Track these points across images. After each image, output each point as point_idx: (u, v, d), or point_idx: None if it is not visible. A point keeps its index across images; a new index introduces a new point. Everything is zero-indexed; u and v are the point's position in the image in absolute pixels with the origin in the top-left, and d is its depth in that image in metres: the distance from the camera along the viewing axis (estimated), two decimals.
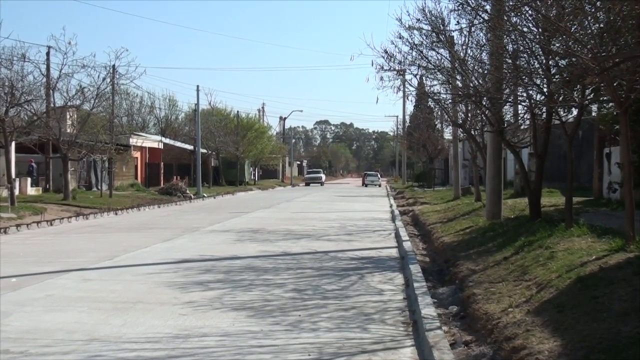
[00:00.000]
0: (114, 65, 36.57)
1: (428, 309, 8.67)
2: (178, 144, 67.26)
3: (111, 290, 10.94)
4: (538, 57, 13.82)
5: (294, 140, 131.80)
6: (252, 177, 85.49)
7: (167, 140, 64.56)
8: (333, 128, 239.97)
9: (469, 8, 16.04)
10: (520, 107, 19.33)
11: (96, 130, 36.55)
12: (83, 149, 36.24)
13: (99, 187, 42.24)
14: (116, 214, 29.84)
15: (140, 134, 61.36)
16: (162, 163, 59.19)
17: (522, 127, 22.35)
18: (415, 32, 19.18)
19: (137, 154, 53.98)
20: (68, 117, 37.30)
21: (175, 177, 54.33)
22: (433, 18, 19.06)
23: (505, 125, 19.69)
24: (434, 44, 19.17)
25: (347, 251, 16.16)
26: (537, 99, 15.36)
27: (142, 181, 53.79)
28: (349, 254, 15.58)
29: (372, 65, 20.33)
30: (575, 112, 15.42)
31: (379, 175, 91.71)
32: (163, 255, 15.43)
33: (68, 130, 36.60)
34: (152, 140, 58.63)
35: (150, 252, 16.12)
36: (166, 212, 32.25)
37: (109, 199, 35.69)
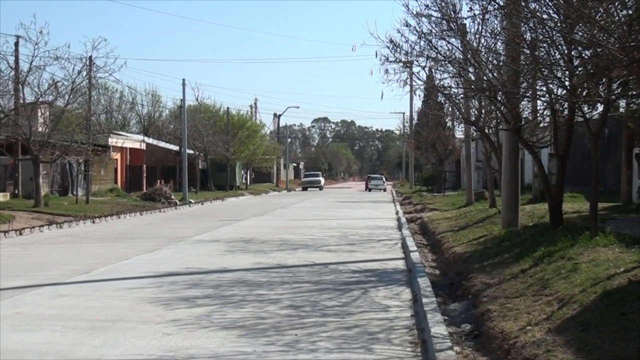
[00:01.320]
0: (90, 57, 36.62)
1: (438, 327, 8.64)
2: (162, 144, 67.24)
3: (88, 307, 10.91)
4: (559, 47, 13.79)
5: (289, 140, 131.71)
6: (244, 181, 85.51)
7: (150, 140, 64.56)
8: (333, 126, 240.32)
9: None
10: (539, 102, 19.28)
11: (71, 129, 36.53)
12: (56, 150, 36.23)
13: (75, 193, 42.19)
14: (93, 222, 29.80)
15: (121, 133, 61.35)
16: (144, 165, 59.16)
17: (541, 125, 22.31)
18: (423, 19, 19.14)
19: (117, 156, 53.97)
20: (39, 114, 37.30)
21: (159, 181, 54.33)
22: (443, 4, 19.01)
23: (523, 122, 19.66)
24: (444, 32, 19.11)
25: (348, 263, 16.14)
26: (558, 93, 15.34)
27: (123, 186, 53.77)
28: (351, 266, 15.55)
29: (376, 56, 20.25)
30: (600, 108, 15.39)
31: (383, 179, 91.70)
32: (145, 268, 15.40)
33: (39, 129, 36.60)
34: (134, 140, 58.62)
35: (132, 264, 16.10)
36: (149, 220, 32.22)
37: (85, 206, 35.67)
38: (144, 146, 59.26)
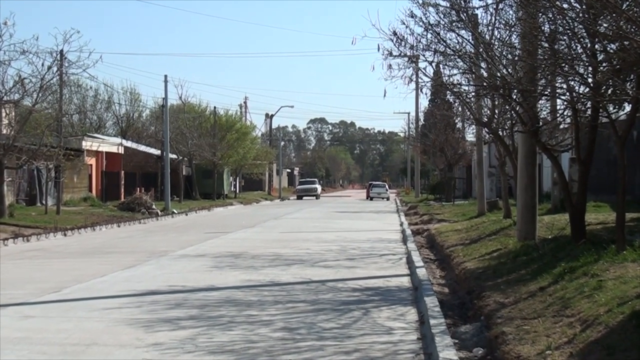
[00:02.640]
0: (61, 51, 36.48)
1: (447, 352, 8.63)
2: (142, 147, 67.24)
3: (59, 329, 10.87)
4: (581, 39, 13.79)
5: (283, 143, 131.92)
6: (233, 189, 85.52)
7: (129, 144, 64.56)
8: (331, 128, 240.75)
9: None
10: (559, 101, 19.29)
11: (40, 131, 36.40)
12: (23, 154, 36.06)
13: (44, 202, 42.12)
14: (65, 234, 29.77)
15: (96, 135, 61.36)
16: (122, 172, 59.16)
17: (561, 127, 22.31)
18: (430, 9, 19.16)
19: (92, 161, 53.96)
20: (4, 115, 37.20)
21: (138, 188, 54.23)
22: None
23: (541, 124, 19.64)
24: (454, 24, 19.12)
25: (348, 280, 16.14)
26: (580, 91, 15.33)
27: (98, 194, 53.75)
28: (351, 284, 15.55)
29: (379, 50, 20.21)
30: (628, 107, 15.39)
31: (386, 187, 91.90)
32: (123, 286, 15.37)
33: (4, 132, 36.51)
34: (111, 144, 58.59)
35: (108, 282, 16.07)
36: (127, 232, 32.18)
37: (56, 217, 35.58)
38: (121, 150, 59.21)
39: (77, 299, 13.80)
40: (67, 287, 15.21)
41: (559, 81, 15.80)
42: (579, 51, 13.99)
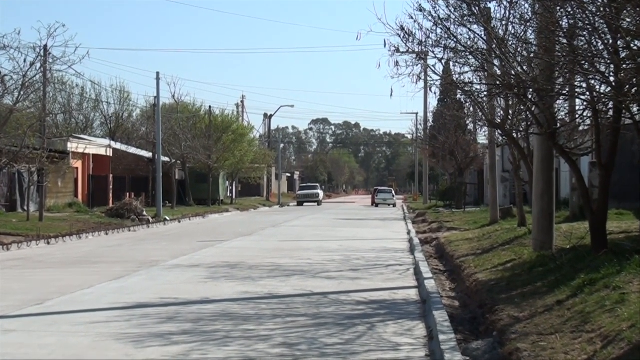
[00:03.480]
0: (45, 46, 36.42)
1: None
2: (132, 149, 67.34)
3: (41, 344, 10.85)
4: (602, 36, 13.77)
5: (282, 146, 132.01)
6: (229, 195, 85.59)
7: (118, 146, 64.67)
8: (333, 129, 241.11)
9: None
10: (578, 101, 19.28)
11: (21, 132, 36.35)
12: (3, 156, 36.06)
13: (25, 208, 42.08)
14: (48, 243, 29.74)
15: (82, 136, 61.45)
16: (110, 176, 59.13)
17: (580, 129, 22.29)
18: (440, 2, 19.14)
19: (78, 164, 53.96)
20: None
21: (128, 194, 54.31)
22: None
23: (559, 125, 19.63)
24: (465, 18, 19.11)
25: (352, 292, 16.14)
26: (601, 90, 15.31)
27: (84, 199, 53.74)
28: (355, 297, 15.55)
29: (385, 46, 20.22)
30: None
31: (393, 192, 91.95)
32: (112, 298, 15.37)
33: None
34: (98, 146, 58.63)
35: (95, 294, 16.06)
36: (116, 240, 32.18)
37: (38, 224, 35.54)
38: (110, 152, 59.25)
39: (61, 312, 13.77)
40: (50, 299, 15.17)
41: (578, 80, 15.77)
42: (600, 48, 13.96)
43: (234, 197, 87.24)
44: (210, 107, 76.13)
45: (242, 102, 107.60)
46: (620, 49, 13.72)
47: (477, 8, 18.76)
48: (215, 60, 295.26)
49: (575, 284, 12.36)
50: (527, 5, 17.67)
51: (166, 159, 62.89)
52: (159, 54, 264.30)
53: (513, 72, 17.09)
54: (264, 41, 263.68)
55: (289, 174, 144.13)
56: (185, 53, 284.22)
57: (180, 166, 68.70)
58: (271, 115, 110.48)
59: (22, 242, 28.38)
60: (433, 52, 20.66)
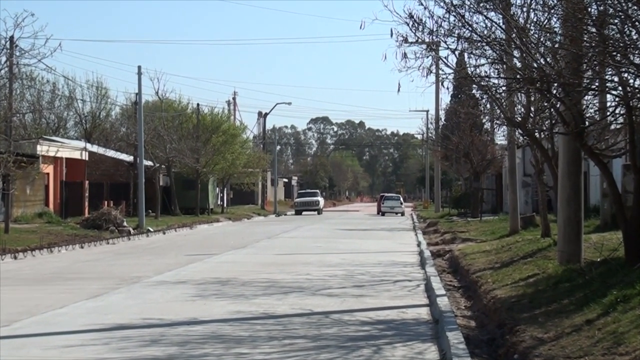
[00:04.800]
0: (12, 37, 36.45)
1: None
2: (111, 153, 67.33)
3: None
4: (637, 23, 13.75)
5: (279, 147, 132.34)
6: (219, 202, 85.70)
7: (95, 148, 64.69)
8: (335, 128, 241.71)
9: None
10: (609, 97, 19.26)
11: None
12: None
13: None
14: (15, 257, 29.69)
15: (54, 138, 61.47)
16: (86, 182, 59.13)
17: (612, 127, 22.28)
18: None
19: (49, 169, 53.88)
20: None
21: (106, 202, 54.29)
22: None
23: (587, 124, 19.61)
24: (481, 4, 19.11)
25: (356, 312, 16.14)
26: (636, 85, 15.29)
27: (57, 209, 53.74)
28: (359, 316, 15.56)
29: (392, 35, 20.21)
30: None
31: (401, 199, 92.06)
32: (88, 319, 15.35)
33: None
34: (72, 148, 58.65)
35: (69, 314, 16.05)
36: (93, 254, 32.19)
37: (4, 236, 35.47)
38: (85, 156, 59.21)
39: (30, 334, 13.76)
40: (19, 320, 15.15)
41: (609, 73, 15.77)
42: (634, 37, 13.95)
43: (225, 205, 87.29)
44: (198, 104, 76.16)
45: (233, 99, 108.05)
46: None
47: None
48: (203, 53, 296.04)
49: (606, 301, 12.35)
50: None
51: (149, 163, 62.90)
52: (141, 46, 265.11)
53: (535, 65, 17.07)
54: (258, 31, 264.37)
55: (286, 180, 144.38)
56: (171, 45, 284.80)
57: (165, 171, 68.73)
58: (266, 114, 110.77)
59: None
60: (445, 42, 20.60)
